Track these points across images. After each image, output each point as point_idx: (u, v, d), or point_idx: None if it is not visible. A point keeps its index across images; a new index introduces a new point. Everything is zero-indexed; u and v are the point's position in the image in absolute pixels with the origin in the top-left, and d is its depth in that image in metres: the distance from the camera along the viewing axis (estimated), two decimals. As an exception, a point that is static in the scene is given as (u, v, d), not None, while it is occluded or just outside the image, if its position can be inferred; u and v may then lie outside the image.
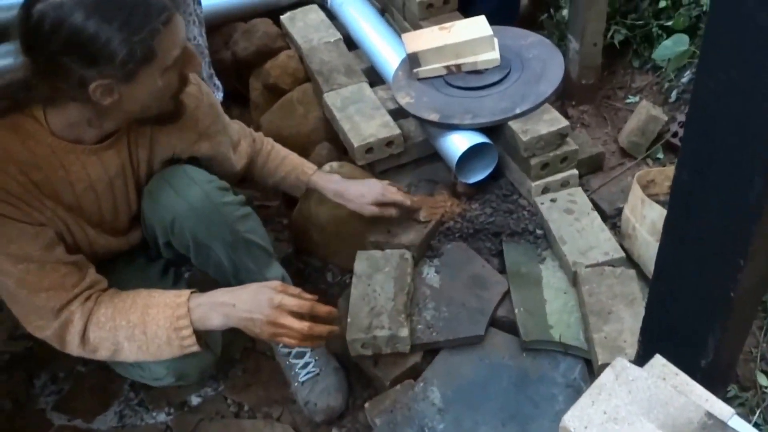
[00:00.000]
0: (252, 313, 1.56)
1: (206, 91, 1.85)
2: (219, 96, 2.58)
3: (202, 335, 1.60)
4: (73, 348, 1.57)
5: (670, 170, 2.05)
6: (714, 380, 1.21)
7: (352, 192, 2.09)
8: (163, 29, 1.43)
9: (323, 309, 1.63)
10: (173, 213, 1.70)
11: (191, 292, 1.59)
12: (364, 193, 2.08)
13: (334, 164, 2.32)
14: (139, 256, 1.88)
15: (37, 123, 1.50)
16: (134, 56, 1.40)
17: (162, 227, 1.74)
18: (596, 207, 2.18)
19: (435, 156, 2.37)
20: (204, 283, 2.16)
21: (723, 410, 1.02)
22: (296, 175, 2.11)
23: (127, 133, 1.66)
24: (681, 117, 2.42)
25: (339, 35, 2.79)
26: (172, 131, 1.75)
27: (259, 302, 1.57)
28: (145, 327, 1.55)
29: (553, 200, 2.17)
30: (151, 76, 1.48)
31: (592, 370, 1.84)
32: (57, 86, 1.43)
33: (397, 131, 2.31)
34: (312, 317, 1.62)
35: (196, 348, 1.58)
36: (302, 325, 1.57)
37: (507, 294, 2.03)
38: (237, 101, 2.95)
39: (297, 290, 1.63)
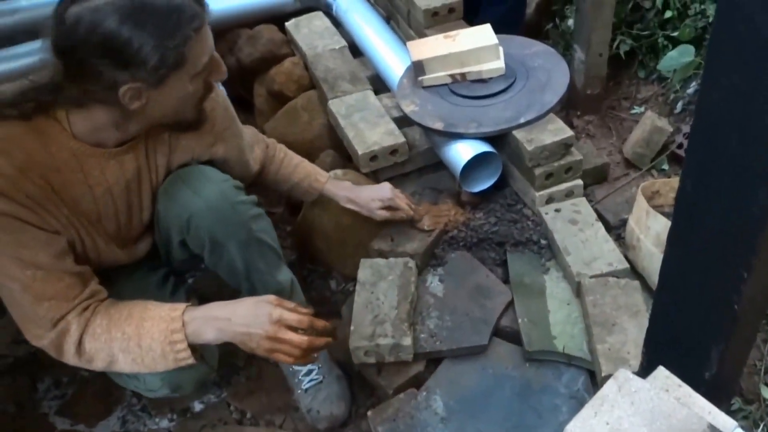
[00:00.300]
0: (250, 328, 1.54)
1: (221, 93, 1.85)
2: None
3: (197, 348, 1.59)
4: (70, 357, 1.56)
5: (675, 181, 2.04)
6: (717, 393, 1.21)
7: (363, 197, 2.11)
8: (194, 36, 1.44)
9: (320, 323, 1.62)
10: (190, 211, 1.70)
11: (186, 306, 1.58)
12: (375, 197, 2.10)
13: (339, 172, 2.32)
14: (140, 265, 1.87)
15: (59, 126, 1.50)
16: (166, 61, 1.42)
17: (178, 225, 1.73)
18: (600, 218, 2.18)
19: (439, 164, 2.38)
20: (208, 287, 2.18)
21: (726, 423, 1.02)
22: (309, 183, 2.12)
23: (145, 138, 1.66)
24: (686, 128, 2.42)
25: (344, 42, 2.79)
26: (190, 135, 1.75)
27: (257, 317, 1.55)
28: (140, 339, 1.54)
29: (557, 210, 2.17)
30: (180, 82, 1.49)
31: (595, 381, 1.84)
32: (87, 89, 1.44)
33: (402, 139, 2.31)
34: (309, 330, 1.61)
35: (190, 361, 1.57)
36: (302, 339, 1.56)
37: (510, 304, 2.03)
38: (241, 108, 2.95)
39: (292, 304, 1.61)
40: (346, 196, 2.13)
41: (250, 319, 1.55)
